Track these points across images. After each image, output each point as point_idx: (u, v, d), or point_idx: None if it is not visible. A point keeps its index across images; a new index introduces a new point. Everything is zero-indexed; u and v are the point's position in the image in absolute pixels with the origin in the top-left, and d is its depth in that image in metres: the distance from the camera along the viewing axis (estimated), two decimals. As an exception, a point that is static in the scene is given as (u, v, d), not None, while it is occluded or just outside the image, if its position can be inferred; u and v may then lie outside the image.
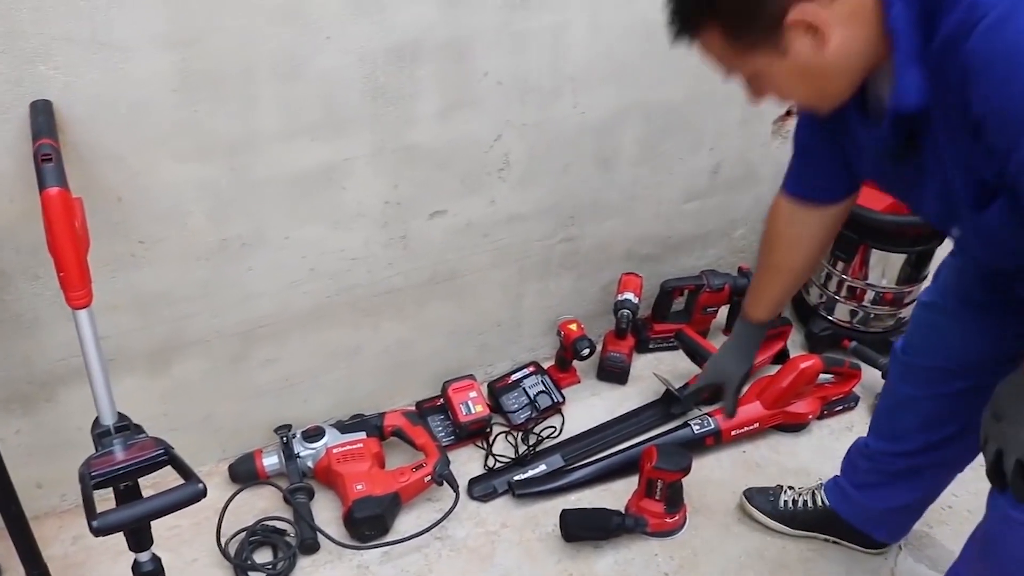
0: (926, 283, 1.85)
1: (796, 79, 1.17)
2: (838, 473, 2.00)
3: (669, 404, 2.40)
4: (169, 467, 1.41)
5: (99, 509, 1.31)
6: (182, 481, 1.36)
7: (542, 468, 2.20)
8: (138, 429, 1.52)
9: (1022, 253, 1.10)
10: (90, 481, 1.36)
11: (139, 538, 1.49)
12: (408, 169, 1.95)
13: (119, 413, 1.52)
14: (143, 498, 1.41)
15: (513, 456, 2.24)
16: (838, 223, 1.63)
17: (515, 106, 1.99)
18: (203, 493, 1.35)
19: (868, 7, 1.08)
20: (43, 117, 1.48)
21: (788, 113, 2.47)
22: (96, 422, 1.51)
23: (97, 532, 1.29)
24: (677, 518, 2.04)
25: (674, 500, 2.02)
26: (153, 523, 1.91)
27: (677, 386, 2.41)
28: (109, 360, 1.82)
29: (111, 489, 1.43)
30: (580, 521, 2.03)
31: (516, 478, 2.16)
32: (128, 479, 1.43)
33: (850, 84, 1.18)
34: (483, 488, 2.14)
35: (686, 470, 1.97)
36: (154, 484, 1.40)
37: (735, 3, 1.11)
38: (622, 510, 2.06)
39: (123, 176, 1.66)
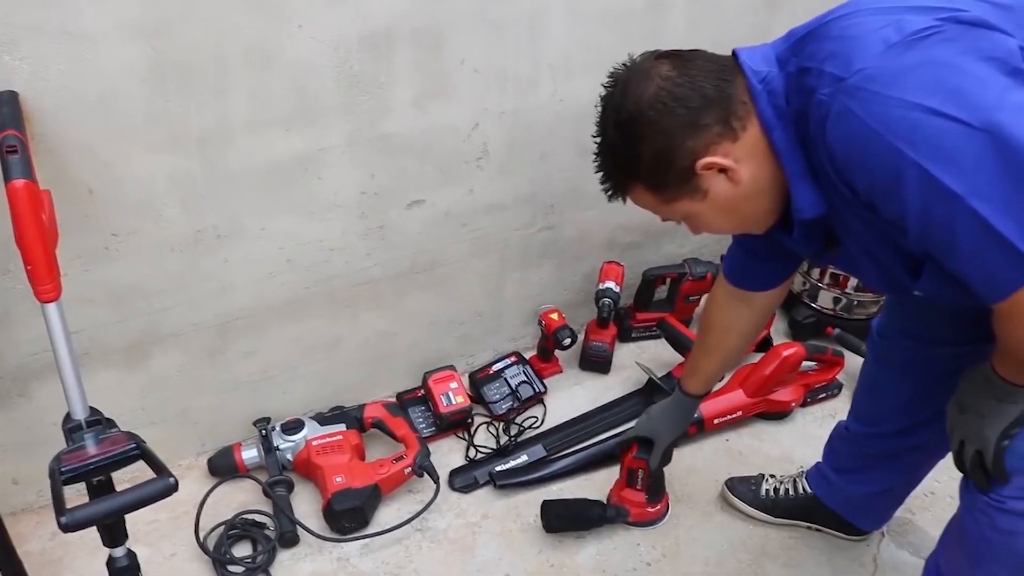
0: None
1: (721, 214, 1.29)
2: (820, 460, 2.00)
3: (652, 393, 2.39)
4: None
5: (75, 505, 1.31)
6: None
7: (524, 458, 2.19)
8: (110, 423, 1.50)
9: (978, 297, 1.13)
10: (60, 476, 1.35)
11: (113, 533, 1.48)
12: (385, 159, 1.93)
13: (91, 407, 1.50)
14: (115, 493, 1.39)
15: (495, 447, 2.23)
16: (772, 307, 1.74)
17: (493, 94, 1.98)
18: (174, 488, 1.33)
19: (759, 138, 1.20)
20: (8, 108, 1.45)
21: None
22: (67, 417, 1.49)
23: (66, 528, 1.28)
24: (659, 508, 2.03)
25: (656, 490, 2.01)
26: (131, 518, 1.90)
27: (660, 375, 2.41)
28: (84, 354, 1.83)
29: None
30: (561, 512, 2.02)
31: (497, 468, 2.15)
32: (100, 474, 1.42)
33: (771, 206, 1.28)
34: (464, 479, 2.13)
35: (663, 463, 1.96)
36: (132, 479, 1.38)
37: (650, 166, 1.23)
38: (604, 500, 2.05)
39: (94, 168, 1.64)
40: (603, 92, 1.28)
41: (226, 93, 1.67)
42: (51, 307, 1.42)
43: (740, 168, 1.21)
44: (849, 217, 1.22)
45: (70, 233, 1.66)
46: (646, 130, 1.21)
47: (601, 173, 1.33)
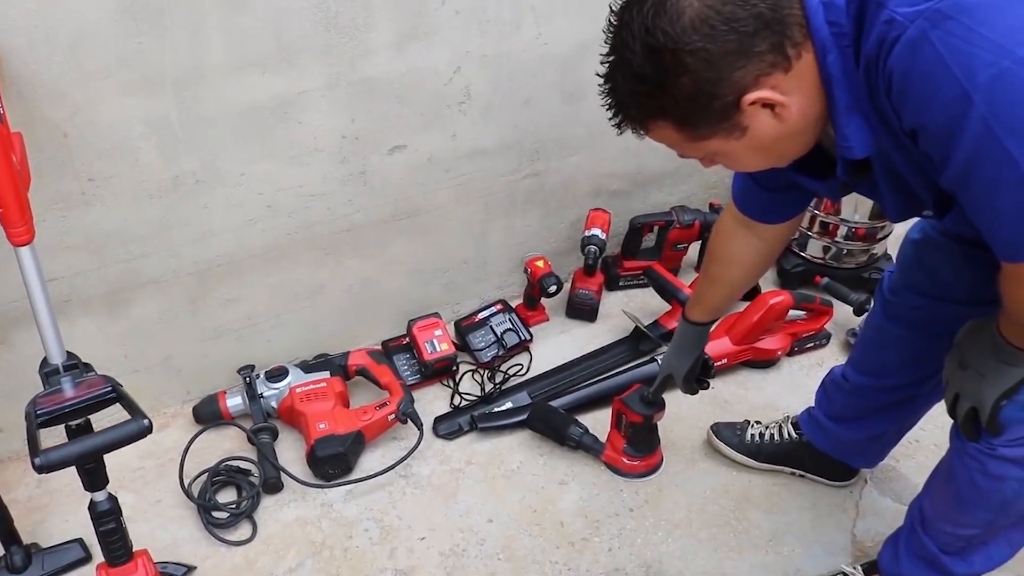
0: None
1: (757, 153, 1.16)
2: (812, 405, 1.99)
3: (638, 341, 2.39)
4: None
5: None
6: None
7: (508, 406, 2.19)
8: (87, 367, 1.50)
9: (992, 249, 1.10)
10: (35, 419, 1.35)
11: (93, 477, 1.47)
12: (365, 102, 1.90)
13: (68, 352, 1.50)
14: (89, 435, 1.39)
15: (479, 394, 2.23)
16: (782, 241, 1.64)
17: (474, 36, 1.94)
18: (148, 429, 1.33)
19: (812, 67, 1.06)
20: (-25, 48, 1.43)
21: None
22: (44, 361, 1.49)
23: (40, 469, 1.28)
24: (636, 463, 2.02)
25: (637, 444, 2.00)
26: (116, 465, 1.91)
27: (646, 323, 2.40)
28: (64, 301, 1.82)
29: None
30: (544, 416, 2.07)
31: (479, 412, 2.16)
32: (77, 417, 1.42)
33: (808, 142, 1.17)
34: (448, 426, 2.13)
35: (644, 416, 1.94)
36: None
37: (685, 101, 1.07)
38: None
39: (67, 111, 1.61)
40: (620, 3, 1.10)
41: (200, 33, 1.64)
42: (24, 251, 1.41)
43: (790, 103, 1.07)
44: (887, 143, 1.12)
45: (46, 178, 1.65)
46: (687, 59, 1.03)
47: (614, 104, 1.15)
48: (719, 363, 2.27)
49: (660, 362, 1.99)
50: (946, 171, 1.03)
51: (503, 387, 2.26)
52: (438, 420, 2.15)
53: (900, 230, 2.11)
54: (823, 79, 1.07)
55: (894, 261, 1.88)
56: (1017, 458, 1.32)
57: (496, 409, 2.18)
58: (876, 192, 1.26)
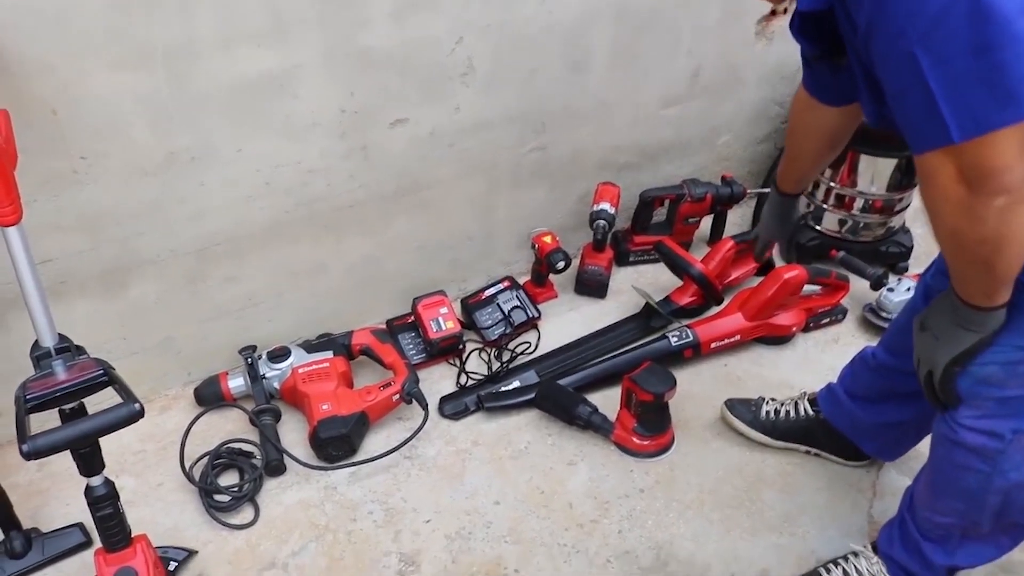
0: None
1: None
2: (833, 382, 1.94)
3: (649, 318, 2.34)
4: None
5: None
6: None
7: (515, 385, 2.15)
8: (80, 350, 1.47)
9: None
10: (24, 404, 1.33)
11: (88, 462, 1.44)
12: (364, 75, 1.85)
13: (60, 335, 1.47)
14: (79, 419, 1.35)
15: (486, 373, 2.19)
16: (850, 123, 1.61)
17: (476, 4, 1.88)
18: (139, 414, 1.30)
19: None
20: (-43, 22, 1.39)
21: (772, 13, 2.35)
22: (35, 344, 1.46)
23: (27, 455, 1.25)
24: (647, 443, 1.98)
25: (648, 424, 1.96)
26: (117, 448, 1.93)
27: (657, 299, 2.35)
28: (59, 283, 1.79)
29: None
30: (553, 394, 2.04)
31: (486, 392, 2.12)
32: (69, 401, 1.39)
33: None
34: (454, 406, 2.09)
35: (655, 395, 1.90)
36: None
37: None
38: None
39: (55, 87, 1.57)
40: None
41: (190, 5, 1.59)
42: (12, 231, 1.38)
43: None
44: (844, 29, 1.18)
45: (36, 157, 1.61)
46: None
47: None
48: (732, 339, 2.22)
49: (757, 228, 2.01)
50: (858, 36, 1.09)
51: (510, 366, 2.22)
52: (444, 400, 2.11)
53: (918, 203, 2.03)
54: None
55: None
56: (978, 447, 1.34)
57: (503, 388, 2.13)
58: (855, 84, 1.28)
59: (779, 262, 2.46)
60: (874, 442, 1.90)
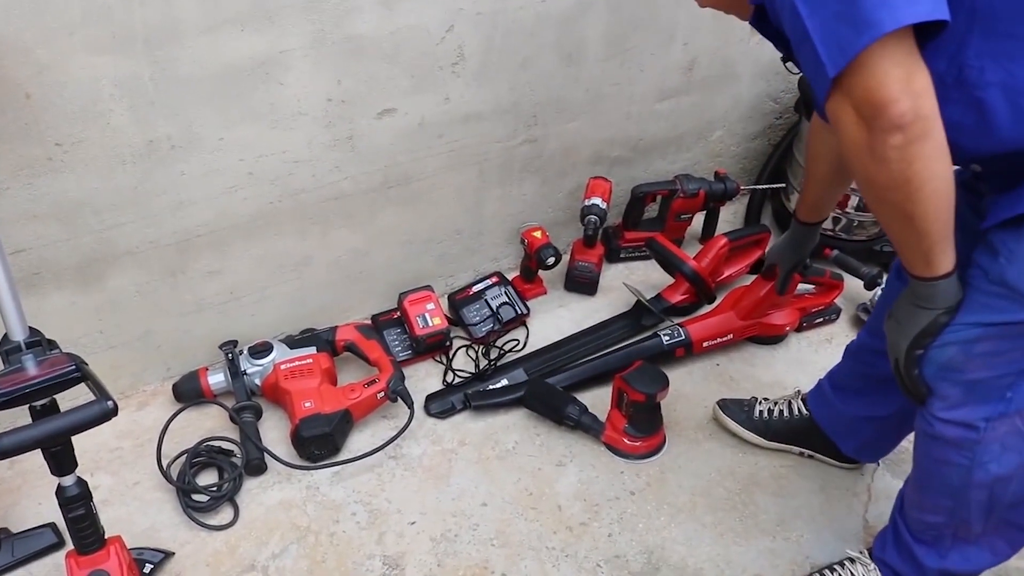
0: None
1: None
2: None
3: (640, 316, 2.30)
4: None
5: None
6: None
7: (503, 383, 2.10)
8: (52, 344, 1.41)
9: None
10: (-8, 401, 1.26)
11: (59, 461, 1.39)
12: (352, 63, 1.79)
13: (31, 328, 1.40)
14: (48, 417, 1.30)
15: (473, 371, 2.14)
16: None
17: (468, -8, 1.83)
18: (112, 412, 1.25)
19: None
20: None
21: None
22: (4, 338, 1.39)
23: (-6, 455, 1.19)
24: (638, 444, 1.94)
25: (639, 424, 1.92)
26: (92, 445, 1.88)
27: (649, 297, 2.31)
28: (34, 274, 1.74)
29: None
30: (541, 393, 2.01)
31: (473, 390, 2.07)
32: (39, 397, 1.33)
33: None
34: (440, 404, 2.04)
35: (647, 395, 1.86)
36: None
37: None
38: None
39: (30, 70, 1.50)
40: None
41: (171, -13, 1.53)
42: (-21, 220, 1.31)
43: None
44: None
45: (10, 143, 1.57)
46: None
47: None
48: (724, 338, 2.18)
49: (768, 251, 2.08)
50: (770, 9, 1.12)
51: (498, 363, 2.17)
52: (430, 398, 2.07)
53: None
54: None
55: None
56: (954, 439, 1.33)
57: (491, 387, 2.09)
58: None
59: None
60: (853, 440, 1.88)
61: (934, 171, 1.05)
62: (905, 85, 1.00)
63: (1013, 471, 1.34)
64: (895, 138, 1.02)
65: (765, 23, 1.23)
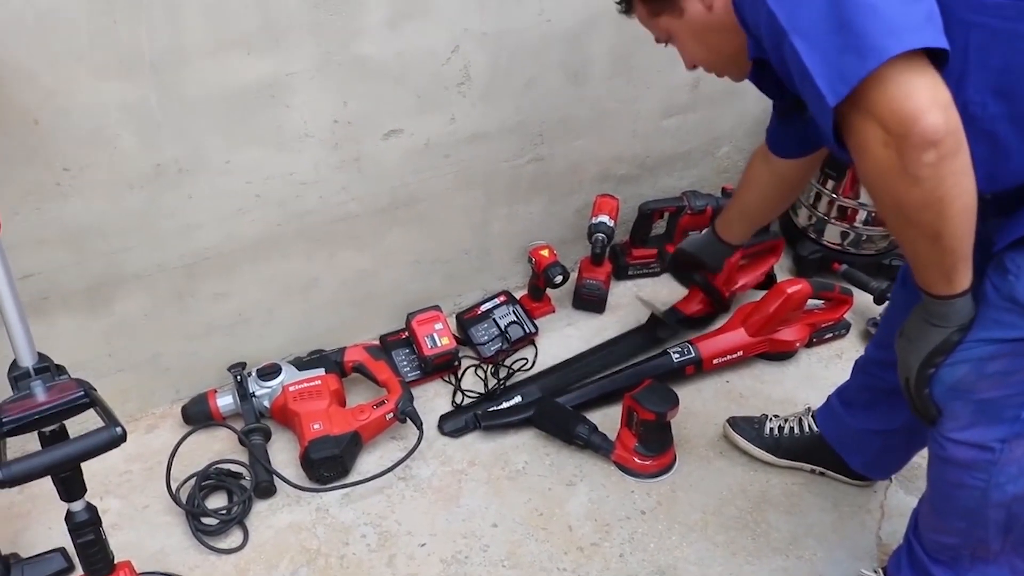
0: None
1: (695, 40, 1.36)
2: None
3: (654, 329, 2.30)
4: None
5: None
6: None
7: (516, 401, 2.09)
8: (60, 370, 1.41)
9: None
10: (1, 427, 1.26)
11: (69, 487, 1.39)
12: (358, 84, 1.80)
13: (40, 354, 1.40)
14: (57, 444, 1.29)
15: (483, 391, 2.14)
16: (793, 180, 1.79)
17: (473, 13, 1.84)
18: (121, 438, 1.24)
19: None
20: (-68, 27, 1.33)
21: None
22: (13, 364, 1.39)
23: (2, 483, 1.19)
24: (648, 463, 1.93)
25: (649, 443, 1.92)
26: (103, 469, 1.88)
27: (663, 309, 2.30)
28: (42, 299, 1.74)
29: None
30: (551, 413, 2.00)
31: (482, 410, 2.06)
32: (48, 424, 1.33)
33: (740, 47, 1.23)
34: (451, 425, 2.04)
35: (657, 414, 1.86)
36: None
37: None
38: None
39: (38, 96, 1.51)
40: None
41: (179, 11, 1.53)
42: (-10, 245, 1.31)
43: None
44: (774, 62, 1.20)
45: (18, 168, 1.57)
46: None
47: None
48: (734, 355, 2.17)
49: (686, 240, 2.16)
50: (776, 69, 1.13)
51: (507, 383, 2.16)
52: (443, 418, 2.06)
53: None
54: None
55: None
56: (968, 461, 1.31)
57: (504, 405, 2.08)
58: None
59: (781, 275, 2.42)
60: (861, 455, 1.86)
61: (964, 187, 1.03)
62: (933, 95, 0.97)
63: None
64: (928, 155, 0.99)
65: (763, 77, 1.25)
